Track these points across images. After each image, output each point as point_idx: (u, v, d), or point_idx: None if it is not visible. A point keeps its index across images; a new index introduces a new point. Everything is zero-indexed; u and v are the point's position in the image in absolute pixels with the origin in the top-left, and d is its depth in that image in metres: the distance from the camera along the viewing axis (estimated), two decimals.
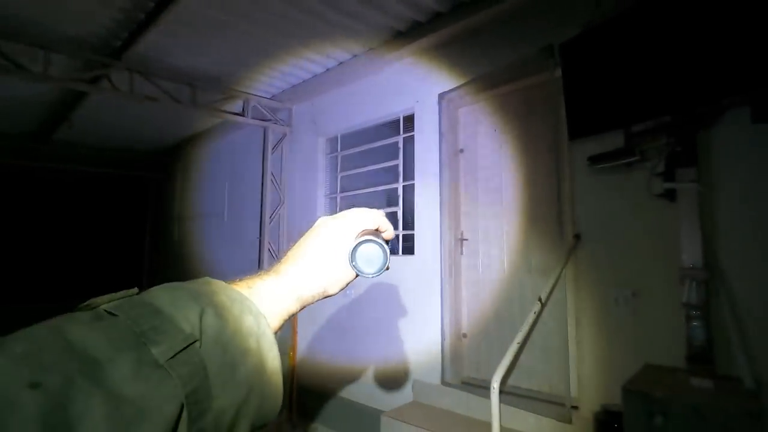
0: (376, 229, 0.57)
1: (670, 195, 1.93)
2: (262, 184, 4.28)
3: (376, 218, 0.57)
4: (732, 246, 1.83)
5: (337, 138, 4.03)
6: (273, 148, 4.34)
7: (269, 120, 4.28)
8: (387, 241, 0.60)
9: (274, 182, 4.33)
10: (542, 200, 2.59)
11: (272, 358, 0.40)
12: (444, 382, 2.84)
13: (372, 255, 0.49)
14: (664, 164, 1.93)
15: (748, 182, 1.82)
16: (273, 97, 4.27)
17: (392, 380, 3.16)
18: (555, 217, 2.45)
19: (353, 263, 0.49)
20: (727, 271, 1.81)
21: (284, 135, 4.39)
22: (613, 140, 2.12)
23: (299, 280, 0.49)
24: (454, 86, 2.98)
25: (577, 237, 2.33)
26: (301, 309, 0.50)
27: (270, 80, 3.92)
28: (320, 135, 4.10)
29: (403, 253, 3.42)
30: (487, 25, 2.80)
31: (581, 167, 2.32)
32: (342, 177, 3.97)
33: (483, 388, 2.67)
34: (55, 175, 6.20)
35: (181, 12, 2.69)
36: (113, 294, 0.37)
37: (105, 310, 0.33)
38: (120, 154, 6.32)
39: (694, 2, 1.76)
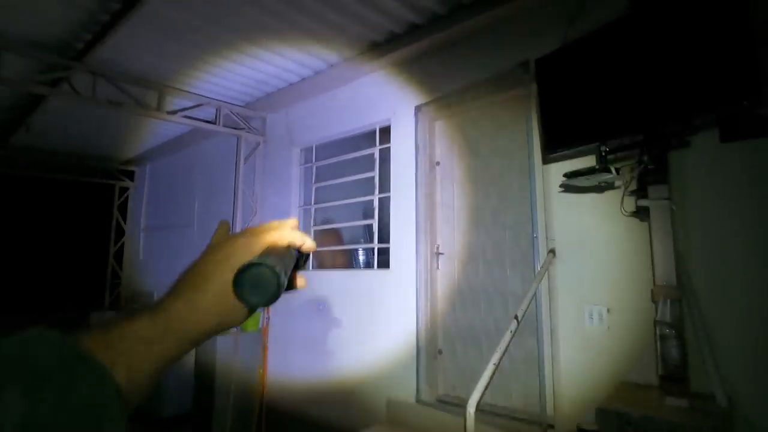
0: (287, 246, 0.49)
1: (642, 213, 1.94)
2: (235, 194, 4.14)
3: (284, 232, 0.48)
4: (704, 264, 1.84)
5: (312, 148, 3.94)
6: (246, 158, 4.22)
7: (242, 129, 4.16)
8: (303, 255, 0.53)
9: (247, 192, 4.20)
10: (518, 215, 2.58)
11: None
12: (419, 401, 2.76)
13: (261, 280, 0.40)
14: (637, 182, 1.94)
15: (719, 201, 1.84)
16: (246, 105, 4.16)
17: (366, 399, 3.05)
18: (530, 233, 2.44)
19: (237, 291, 0.40)
20: (699, 288, 1.82)
21: (258, 144, 4.28)
22: (587, 160, 2.13)
23: (182, 316, 0.40)
24: (431, 99, 2.96)
25: (552, 253, 2.32)
26: (190, 349, 0.42)
27: (243, 88, 3.81)
28: (295, 145, 4.01)
29: (378, 267, 3.35)
30: (464, 39, 2.80)
31: (556, 183, 2.32)
32: (317, 188, 3.88)
33: (459, 407, 2.60)
34: (12, 181, 5.85)
35: (147, 14, 2.57)
36: None
37: None
38: (82, 161, 6.02)
39: (664, 22, 1.79)
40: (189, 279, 0.43)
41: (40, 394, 0.27)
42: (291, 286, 0.52)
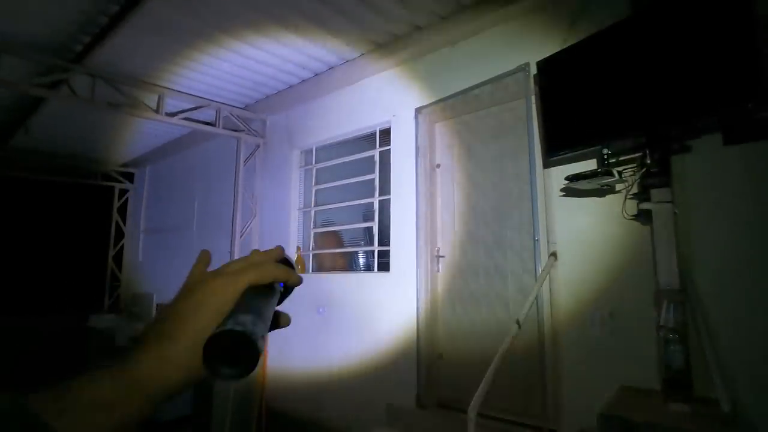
0: (271, 284, 0.44)
1: (644, 216, 1.93)
2: (234, 196, 4.12)
3: (266, 269, 0.44)
4: (708, 267, 1.83)
5: (312, 150, 3.93)
6: (246, 160, 4.20)
7: (242, 130, 4.15)
8: (289, 289, 0.49)
9: (247, 194, 4.19)
10: (519, 218, 2.56)
11: None
12: (420, 405, 2.74)
13: (236, 349, 0.34)
14: (639, 185, 1.92)
15: (722, 204, 1.83)
16: (246, 107, 4.15)
17: (366, 402, 3.03)
18: (532, 236, 2.42)
19: (207, 365, 0.35)
20: (703, 292, 1.80)
21: (258, 146, 4.27)
22: (590, 162, 2.12)
23: (150, 373, 0.36)
24: (432, 101, 2.95)
25: (554, 256, 2.30)
26: (155, 409, 0.37)
27: (243, 90, 3.81)
28: (295, 147, 4.00)
29: (378, 270, 3.33)
30: (465, 41, 2.79)
31: (557, 186, 2.30)
32: (317, 190, 3.87)
33: (460, 411, 2.58)
34: (11, 183, 5.83)
35: (145, 16, 2.56)
36: None
37: None
38: (82, 163, 6.01)
39: (666, 24, 1.78)
40: (159, 328, 0.39)
41: None
42: (275, 325, 0.47)
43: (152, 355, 0.37)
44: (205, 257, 0.48)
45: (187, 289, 0.42)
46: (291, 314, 0.50)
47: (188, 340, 0.37)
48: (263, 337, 0.35)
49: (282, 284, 0.48)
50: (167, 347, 0.37)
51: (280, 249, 0.49)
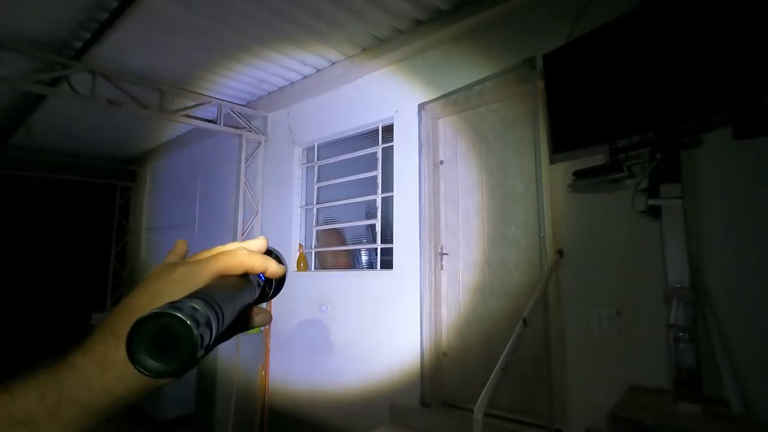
0: (244, 274, 0.39)
1: (654, 212, 1.89)
2: (236, 193, 4.10)
3: (238, 257, 0.38)
4: (719, 265, 1.79)
5: (314, 147, 3.90)
6: (248, 157, 4.18)
7: (243, 127, 4.12)
8: (270, 284, 0.44)
9: (249, 192, 4.16)
10: (524, 215, 2.53)
11: None
12: (423, 404, 2.71)
13: (170, 337, 0.27)
14: (648, 180, 1.88)
15: (734, 199, 1.79)
16: (248, 104, 4.12)
17: (369, 401, 3.01)
18: (537, 233, 2.39)
19: (129, 354, 0.27)
20: (714, 290, 1.77)
21: (259, 143, 4.24)
22: (596, 158, 2.08)
23: (88, 378, 0.31)
24: (435, 96, 2.91)
25: (560, 253, 2.26)
26: (95, 423, 0.31)
27: (244, 86, 3.78)
28: (297, 144, 3.97)
29: (381, 267, 3.30)
30: (469, 35, 2.75)
31: (564, 182, 2.26)
32: (319, 187, 3.84)
33: (464, 410, 2.56)
34: (11, 182, 5.82)
35: (145, 12, 2.53)
36: None
37: None
38: (83, 161, 5.99)
39: (678, 15, 1.73)
40: (107, 325, 0.33)
41: None
42: (246, 322, 0.41)
43: (92, 359, 0.31)
44: (178, 248, 0.42)
45: (147, 281, 0.36)
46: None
47: None
48: (213, 331, 0.28)
49: (262, 277, 0.42)
50: (111, 347, 0.31)
51: (263, 239, 0.43)
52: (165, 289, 0.34)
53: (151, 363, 0.28)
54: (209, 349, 0.29)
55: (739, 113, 1.69)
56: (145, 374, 0.28)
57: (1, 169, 5.46)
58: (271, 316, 0.44)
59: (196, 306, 0.28)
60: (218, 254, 0.38)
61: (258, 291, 0.41)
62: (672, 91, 1.72)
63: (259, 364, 3.73)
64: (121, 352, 0.28)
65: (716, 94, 1.60)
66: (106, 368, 0.31)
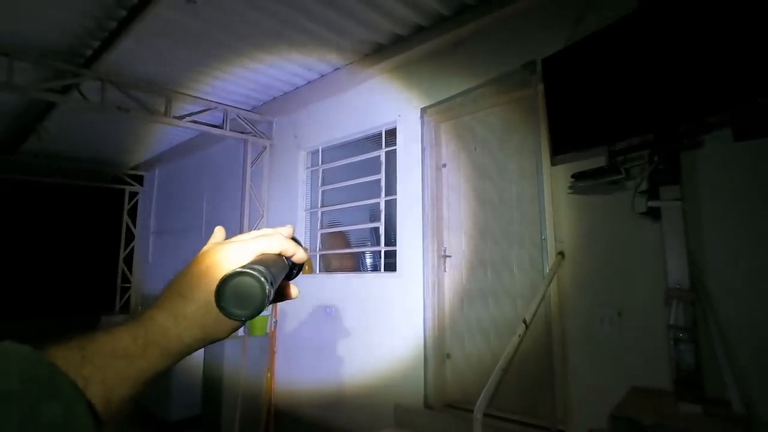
0: (279, 254, 0.47)
1: (654, 213, 1.90)
2: (242, 198, 4.15)
3: (275, 240, 0.46)
4: (718, 266, 1.80)
5: (318, 151, 3.95)
6: (253, 162, 4.23)
7: (249, 132, 4.18)
8: (295, 266, 0.51)
9: (254, 196, 4.21)
10: (526, 217, 2.55)
11: None
12: (427, 406, 2.73)
13: (246, 291, 0.37)
14: (648, 182, 1.90)
15: (733, 201, 1.80)
16: (253, 109, 4.18)
17: (373, 403, 3.03)
18: (539, 235, 2.40)
19: (219, 302, 0.37)
20: (714, 291, 1.77)
21: (265, 148, 4.29)
22: (596, 160, 2.09)
23: (165, 329, 0.39)
24: (437, 101, 2.94)
25: (561, 255, 2.28)
26: (173, 364, 0.40)
27: (250, 92, 3.84)
28: (301, 148, 4.01)
29: (385, 270, 3.33)
30: (470, 39, 2.78)
31: (565, 185, 2.28)
32: (323, 191, 3.88)
33: (468, 412, 2.57)
34: (23, 187, 5.93)
35: (153, 20, 2.59)
36: None
37: None
38: (93, 166, 6.10)
39: (676, 18, 1.75)
40: (174, 288, 0.41)
41: (5, 413, 0.26)
42: (282, 296, 0.51)
43: (166, 314, 0.39)
44: (220, 231, 0.51)
45: (200, 255, 0.44)
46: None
47: (200, 299, 0.40)
48: (272, 289, 0.38)
49: (290, 261, 0.49)
50: (180, 307, 0.40)
51: (291, 227, 0.52)
52: (218, 262, 0.42)
53: (233, 308, 0.37)
54: (267, 302, 0.38)
55: (738, 114, 1.70)
56: (229, 317, 0.37)
57: (13, 174, 5.58)
58: (298, 291, 0.53)
59: (262, 269, 0.38)
60: (260, 237, 0.46)
61: (287, 270, 0.49)
62: (669, 93, 1.73)
63: (265, 366, 3.77)
64: (189, 309, 0.39)
65: (713, 96, 1.62)
66: (177, 320, 0.39)
